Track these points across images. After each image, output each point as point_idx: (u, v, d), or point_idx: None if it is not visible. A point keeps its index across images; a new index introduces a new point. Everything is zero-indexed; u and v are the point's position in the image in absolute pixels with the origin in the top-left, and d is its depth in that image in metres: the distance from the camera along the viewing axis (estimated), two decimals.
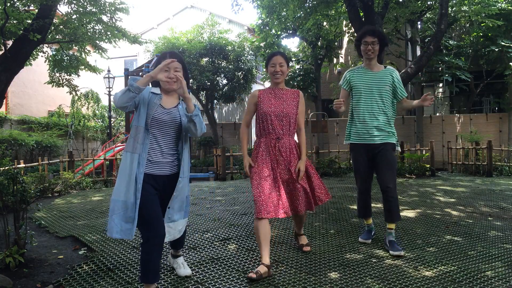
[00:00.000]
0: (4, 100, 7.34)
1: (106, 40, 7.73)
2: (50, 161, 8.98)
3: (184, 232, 2.72)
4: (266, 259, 2.72)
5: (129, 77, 2.41)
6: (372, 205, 3.82)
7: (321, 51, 16.34)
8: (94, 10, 7.19)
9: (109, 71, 14.34)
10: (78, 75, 9.12)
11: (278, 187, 2.86)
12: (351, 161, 3.33)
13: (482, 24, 12.91)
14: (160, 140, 2.43)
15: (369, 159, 3.35)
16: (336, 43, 16.70)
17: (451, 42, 14.38)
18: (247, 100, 3.24)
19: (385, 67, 3.50)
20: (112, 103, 16.01)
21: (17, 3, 6.77)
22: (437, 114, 16.40)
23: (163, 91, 2.54)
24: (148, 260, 2.34)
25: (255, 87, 17.76)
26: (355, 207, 5.11)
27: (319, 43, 15.99)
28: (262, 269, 2.67)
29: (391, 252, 3.17)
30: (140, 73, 14.39)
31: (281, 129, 2.96)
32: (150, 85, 2.57)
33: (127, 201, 2.30)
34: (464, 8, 11.71)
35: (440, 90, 17.64)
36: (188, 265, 2.99)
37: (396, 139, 3.40)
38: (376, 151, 3.30)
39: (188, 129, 2.47)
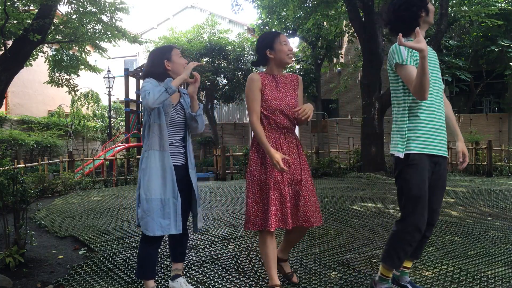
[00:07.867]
0: (4, 100, 7.35)
1: (106, 40, 7.76)
2: (50, 161, 8.99)
3: (186, 239, 2.68)
4: (277, 279, 2.39)
5: (167, 79, 2.39)
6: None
7: (321, 51, 16.37)
8: (94, 10, 7.21)
9: (109, 71, 14.34)
10: (78, 75, 9.13)
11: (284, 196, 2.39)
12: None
13: (482, 24, 12.90)
14: (173, 134, 2.50)
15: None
16: (336, 43, 16.72)
17: (451, 42, 14.37)
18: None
19: None
20: (111, 102, 16.01)
21: (17, 3, 6.79)
22: None
23: None
24: (145, 256, 2.35)
25: None
26: (355, 207, 5.12)
27: (319, 43, 16.02)
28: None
29: None
30: (140, 73, 14.38)
31: (288, 123, 2.49)
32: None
33: (163, 198, 2.35)
34: (464, 8, 11.69)
35: None
36: (188, 265, 2.99)
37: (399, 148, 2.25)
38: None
39: (189, 126, 2.58)
